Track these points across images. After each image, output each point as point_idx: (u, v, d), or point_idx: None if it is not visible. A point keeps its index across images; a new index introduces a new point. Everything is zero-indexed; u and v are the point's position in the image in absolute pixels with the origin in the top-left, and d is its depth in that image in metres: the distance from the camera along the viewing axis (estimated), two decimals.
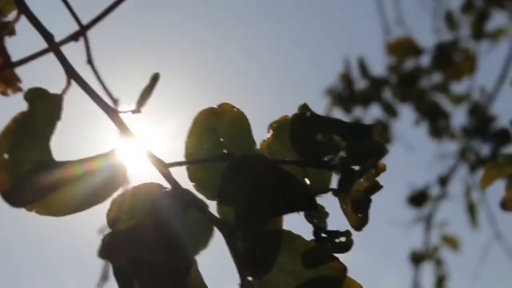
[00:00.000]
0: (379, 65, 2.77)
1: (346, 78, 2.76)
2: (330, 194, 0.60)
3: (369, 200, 0.58)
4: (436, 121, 2.76)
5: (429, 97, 2.74)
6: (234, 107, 0.60)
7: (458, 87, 2.80)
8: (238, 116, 0.60)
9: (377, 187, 0.58)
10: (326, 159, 0.55)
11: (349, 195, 0.58)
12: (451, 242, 3.12)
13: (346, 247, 0.59)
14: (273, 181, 0.53)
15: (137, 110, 0.58)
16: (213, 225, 0.53)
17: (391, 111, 2.72)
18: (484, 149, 2.86)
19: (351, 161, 0.53)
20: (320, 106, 2.82)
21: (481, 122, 2.78)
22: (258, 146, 0.60)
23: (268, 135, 0.60)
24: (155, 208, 0.55)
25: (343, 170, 0.53)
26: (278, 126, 0.59)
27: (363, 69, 2.73)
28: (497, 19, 2.86)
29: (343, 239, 0.59)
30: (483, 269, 3.06)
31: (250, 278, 0.58)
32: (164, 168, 0.56)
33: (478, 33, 2.74)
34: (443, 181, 3.00)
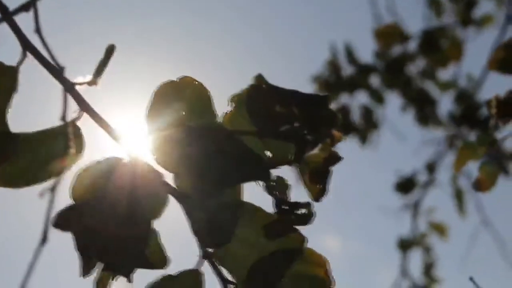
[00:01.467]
0: (368, 52, 2.77)
1: (333, 65, 2.76)
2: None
3: (328, 171, 0.59)
4: (423, 108, 2.77)
5: (416, 83, 2.75)
6: (195, 80, 0.60)
7: (445, 74, 2.80)
8: (199, 89, 0.60)
9: (336, 158, 0.58)
10: (281, 129, 0.55)
11: (307, 166, 0.58)
12: (439, 229, 3.12)
13: (307, 218, 0.59)
14: (228, 150, 0.54)
15: (93, 82, 0.58)
16: (168, 195, 0.54)
17: (378, 98, 2.73)
18: (471, 136, 2.87)
19: (304, 130, 0.54)
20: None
21: (468, 108, 2.78)
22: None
23: (229, 108, 0.60)
24: (112, 179, 0.55)
25: (296, 140, 0.53)
26: (239, 99, 0.59)
27: (350, 55, 2.73)
28: (484, 6, 2.86)
29: (304, 210, 0.59)
30: (471, 255, 3.06)
31: (210, 249, 0.59)
32: (122, 140, 0.56)
33: (466, 20, 2.74)
34: (431, 168, 3.01)
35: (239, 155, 0.54)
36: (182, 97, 0.59)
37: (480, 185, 1.12)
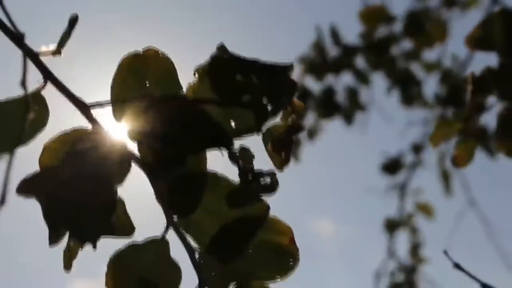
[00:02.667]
0: (353, 34, 2.77)
1: (319, 46, 2.76)
2: (258, 137, 0.61)
3: (291, 141, 0.59)
4: (408, 89, 2.78)
5: (401, 64, 2.75)
6: (159, 52, 0.61)
7: (430, 55, 2.81)
8: (163, 61, 0.61)
9: (298, 128, 0.59)
10: (242, 98, 0.56)
11: (271, 136, 0.59)
12: (425, 210, 3.14)
13: (271, 188, 0.60)
14: (190, 119, 0.55)
15: (57, 52, 0.59)
16: (131, 162, 0.55)
17: (363, 79, 2.74)
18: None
19: (264, 99, 0.55)
20: (293, 73, 2.82)
21: (453, 89, 2.79)
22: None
23: (194, 80, 0.61)
24: (77, 148, 0.56)
25: (257, 108, 0.54)
26: (204, 71, 0.60)
27: (335, 37, 2.74)
28: None
29: (268, 180, 0.60)
30: (457, 236, 3.08)
31: (175, 218, 0.60)
32: (85, 109, 0.57)
33: (450, 1, 2.75)
34: (417, 149, 3.02)
35: (201, 123, 0.55)
36: (146, 69, 0.60)
37: (457, 161, 1.13)
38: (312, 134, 2.89)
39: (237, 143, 0.60)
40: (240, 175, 0.60)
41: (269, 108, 0.55)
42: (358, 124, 2.84)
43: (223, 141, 0.54)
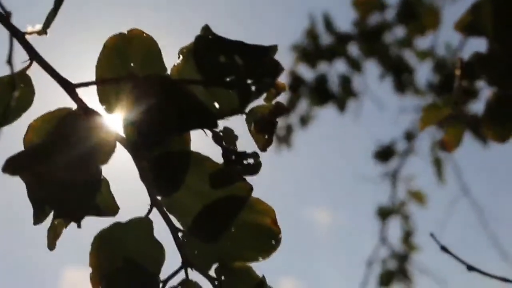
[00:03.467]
0: (346, 21, 2.78)
1: (312, 34, 2.77)
2: (242, 118, 0.61)
3: (274, 122, 0.60)
4: (401, 76, 2.78)
5: (394, 52, 2.76)
6: (144, 33, 0.61)
7: (423, 42, 2.81)
8: (148, 42, 0.61)
9: (281, 109, 0.60)
10: (226, 79, 0.56)
11: (254, 117, 0.60)
12: (418, 197, 3.15)
13: (254, 168, 0.61)
14: (175, 99, 0.55)
15: (42, 32, 0.59)
16: (116, 142, 0.55)
17: (356, 67, 2.74)
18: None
19: (248, 80, 0.55)
20: (285, 61, 2.83)
21: (446, 76, 2.80)
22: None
23: (178, 61, 0.61)
24: (63, 127, 0.56)
25: (240, 89, 0.55)
26: (188, 52, 0.61)
27: (329, 24, 2.74)
28: None
29: (251, 160, 0.61)
30: (449, 223, 3.09)
31: (159, 198, 0.60)
32: (70, 88, 0.57)
33: None
34: (410, 136, 3.02)
35: (185, 103, 0.55)
36: (131, 49, 0.60)
37: (446, 145, 1.14)
38: (305, 121, 2.89)
39: (221, 124, 0.60)
40: (223, 155, 0.60)
41: (253, 88, 0.56)
42: (351, 112, 2.84)
43: (207, 121, 0.55)
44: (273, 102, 0.59)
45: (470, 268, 0.92)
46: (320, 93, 2.75)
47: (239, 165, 0.60)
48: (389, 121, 3.18)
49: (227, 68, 0.57)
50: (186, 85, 0.56)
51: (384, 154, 3.03)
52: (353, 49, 2.77)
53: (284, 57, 2.81)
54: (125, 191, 0.62)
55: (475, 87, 1.17)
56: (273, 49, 0.56)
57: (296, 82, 2.78)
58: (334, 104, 2.78)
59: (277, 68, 0.55)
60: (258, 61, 0.55)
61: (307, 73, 2.82)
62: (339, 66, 2.80)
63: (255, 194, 0.61)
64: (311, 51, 2.78)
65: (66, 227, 0.60)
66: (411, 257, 3.16)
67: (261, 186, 0.60)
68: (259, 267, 0.62)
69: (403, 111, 2.96)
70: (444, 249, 0.94)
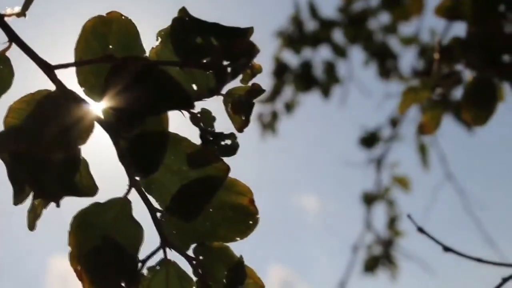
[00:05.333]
0: (331, 7, 2.79)
1: (296, 20, 2.78)
2: (220, 100, 0.62)
3: (251, 103, 0.61)
4: (385, 62, 2.79)
5: (378, 38, 2.77)
6: (123, 15, 0.62)
7: (407, 28, 2.83)
8: (127, 24, 0.62)
9: (258, 90, 0.61)
10: (203, 60, 0.57)
11: (231, 98, 0.61)
12: (402, 183, 3.17)
13: (232, 149, 0.62)
14: (152, 80, 0.56)
15: (21, 14, 0.60)
16: (94, 122, 0.56)
17: (340, 52, 2.75)
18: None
19: (224, 61, 0.56)
20: (270, 47, 2.84)
21: (430, 63, 2.81)
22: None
23: (157, 43, 0.62)
24: (42, 108, 0.57)
25: (216, 70, 0.56)
26: (166, 34, 0.61)
27: (313, 10, 2.75)
28: None
29: (228, 141, 0.62)
30: (434, 208, 3.11)
31: (137, 178, 0.61)
32: (49, 70, 0.58)
33: None
34: (394, 122, 3.04)
35: (162, 85, 0.56)
36: (110, 32, 0.61)
37: (424, 128, 1.15)
38: (290, 107, 2.90)
39: (199, 106, 0.61)
40: (201, 136, 0.61)
41: (229, 70, 0.57)
42: (336, 98, 2.85)
43: (183, 102, 0.56)
44: (250, 83, 0.60)
45: (446, 249, 0.94)
46: (305, 79, 2.76)
47: (216, 146, 0.61)
48: (374, 107, 3.19)
49: (203, 50, 0.57)
50: (163, 67, 0.57)
51: (369, 140, 3.04)
52: (338, 35, 2.78)
53: (269, 43, 2.82)
54: (104, 171, 0.63)
55: (458, 73, 1.18)
56: (249, 31, 0.57)
57: (281, 68, 2.78)
58: (318, 90, 2.79)
59: (253, 49, 0.56)
60: (234, 42, 0.55)
61: (291, 59, 2.83)
62: (324, 52, 2.81)
63: (243, 180, 0.62)
64: (295, 37, 2.78)
65: (46, 208, 0.61)
66: (396, 242, 3.18)
67: (248, 173, 0.61)
68: (248, 253, 0.63)
69: (388, 97, 2.97)
70: (421, 230, 0.95)
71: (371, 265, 3.10)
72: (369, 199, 3.13)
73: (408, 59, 3.19)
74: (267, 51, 2.81)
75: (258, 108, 2.96)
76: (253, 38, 0.59)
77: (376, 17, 2.74)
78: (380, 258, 3.13)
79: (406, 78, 2.90)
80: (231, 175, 0.61)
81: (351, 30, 2.73)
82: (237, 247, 0.63)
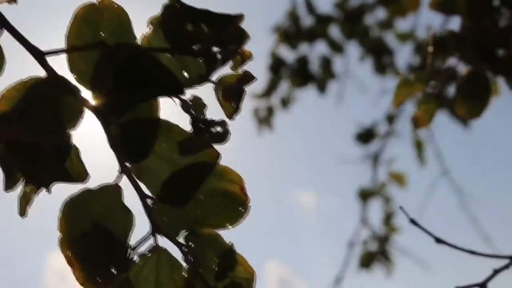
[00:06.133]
0: (327, 3, 2.79)
1: (293, 15, 2.78)
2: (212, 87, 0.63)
3: (242, 90, 0.61)
4: (381, 58, 2.80)
5: (375, 34, 2.77)
6: (114, 3, 0.62)
7: (403, 24, 2.83)
8: (118, 12, 0.62)
9: (249, 77, 0.61)
10: (193, 47, 0.57)
11: (222, 85, 0.61)
12: (399, 179, 3.17)
13: (223, 136, 0.62)
14: (141, 66, 0.56)
15: (12, 0, 0.60)
16: (84, 108, 0.56)
17: (337, 48, 2.75)
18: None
19: (213, 47, 0.56)
20: (267, 43, 2.84)
21: (426, 58, 2.81)
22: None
23: (148, 31, 0.62)
24: (33, 94, 0.57)
25: (206, 56, 0.56)
26: (158, 22, 0.61)
27: (310, 6, 2.75)
28: None
29: (219, 128, 0.62)
30: (430, 205, 3.11)
31: (128, 164, 0.61)
32: (40, 56, 0.58)
33: None
34: (391, 118, 3.04)
35: (152, 70, 0.56)
36: (101, 19, 0.61)
37: (418, 121, 1.16)
38: (286, 103, 2.90)
39: (190, 93, 0.61)
40: (192, 123, 0.61)
41: (218, 56, 0.57)
42: (332, 94, 2.86)
43: (173, 88, 0.56)
44: (241, 71, 0.60)
45: (438, 240, 0.94)
46: (301, 74, 2.77)
47: (207, 133, 0.61)
48: (370, 103, 3.19)
49: (193, 36, 0.58)
50: (153, 53, 0.57)
51: (365, 136, 3.04)
52: (334, 30, 2.78)
53: (265, 39, 2.82)
54: (95, 158, 0.63)
55: (453, 68, 1.18)
56: (239, 17, 0.57)
57: (277, 63, 2.79)
58: (314, 85, 2.80)
59: (242, 36, 0.56)
60: (224, 29, 0.56)
61: (288, 54, 2.83)
62: (320, 48, 2.81)
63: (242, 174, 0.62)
64: (292, 32, 2.78)
65: (37, 194, 0.61)
66: (392, 238, 3.19)
67: (245, 169, 0.62)
68: (245, 250, 0.64)
69: (384, 93, 2.97)
70: (413, 222, 0.95)
71: (367, 261, 3.11)
72: (365, 195, 3.13)
73: (404, 55, 3.18)
74: (263, 46, 2.81)
75: (254, 103, 2.97)
76: (244, 25, 0.59)
77: (373, 13, 2.75)
78: (376, 254, 3.13)
79: (402, 74, 2.90)
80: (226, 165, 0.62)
81: (347, 25, 2.73)
82: (235, 243, 0.64)
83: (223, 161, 0.62)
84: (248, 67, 0.61)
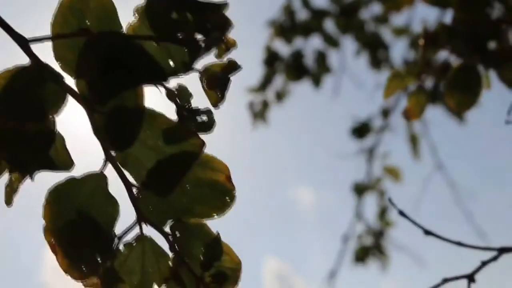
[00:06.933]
0: None
1: (288, 9, 2.78)
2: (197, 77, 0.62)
3: (227, 79, 0.61)
4: (376, 52, 2.80)
5: (370, 28, 2.77)
6: None
7: (398, 19, 2.83)
8: (104, 1, 0.62)
9: (234, 66, 0.61)
10: (177, 35, 0.57)
11: (207, 73, 0.61)
12: (393, 173, 3.17)
13: (208, 125, 0.62)
14: (125, 53, 0.56)
15: None
16: (67, 95, 0.56)
17: (332, 42, 2.75)
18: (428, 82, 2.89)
19: (196, 34, 0.56)
20: (262, 36, 2.84)
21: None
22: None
23: (134, 19, 0.62)
24: (14, 80, 0.57)
25: (190, 44, 0.56)
26: (143, 10, 0.61)
27: (305, 0, 2.75)
28: None
29: (204, 117, 0.62)
30: (425, 199, 3.12)
31: (113, 152, 0.61)
32: (25, 44, 0.58)
33: None
34: (386, 112, 3.04)
35: (136, 58, 0.56)
36: (87, 8, 0.61)
37: (409, 114, 1.16)
38: (280, 97, 2.90)
39: (176, 82, 0.61)
40: (177, 112, 0.61)
41: (202, 44, 0.57)
42: (328, 88, 2.86)
43: (157, 75, 0.56)
44: (226, 59, 0.60)
45: (427, 232, 0.94)
46: (296, 68, 2.77)
47: (192, 122, 0.61)
48: (366, 97, 3.19)
49: (179, 25, 0.58)
50: (138, 41, 0.57)
51: (361, 130, 3.04)
52: (329, 25, 2.78)
53: (261, 33, 2.82)
54: (80, 146, 0.63)
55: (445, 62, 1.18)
56: (223, 5, 0.57)
57: (272, 57, 2.79)
58: (309, 79, 2.80)
59: (226, 23, 0.56)
60: (208, 16, 0.56)
61: (283, 48, 2.83)
62: (315, 42, 2.81)
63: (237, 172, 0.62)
64: (287, 26, 2.78)
65: (22, 182, 0.61)
66: (387, 233, 3.19)
67: (241, 164, 0.62)
68: (243, 246, 0.64)
69: (379, 87, 2.97)
70: (402, 213, 0.96)
71: (361, 255, 3.11)
72: (360, 190, 3.13)
73: (399, 50, 3.19)
74: (259, 40, 2.81)
75: (249, 97, 2.97)
76: (229, 14, 0.59)
77: (368, 7, 2.75)
78: (371, 249, 3.14)
79: (397, 69, 2.90)
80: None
81: (342, 20, 2.73)
82: (231, 240, 0.64)
83: (223, 159, 0.62)
84: (243, 60, 0.61)
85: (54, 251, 0.59)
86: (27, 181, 0.61)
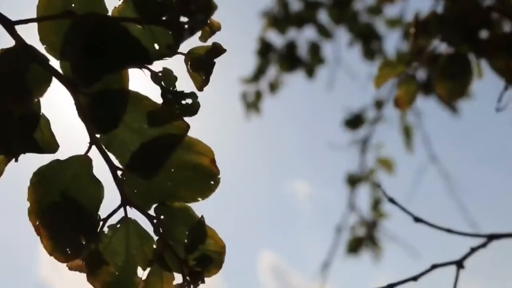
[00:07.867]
0: None
1: (282, 0, 2.78)
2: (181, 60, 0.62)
3: (211, 62, 0.61)
4: (369, 43, 2.80)
5: (363, 19, 2.77)
6: None
7: (392, 10, 2.83)
8: None
9: (218, 49, 0.61)
10: (162, 17, 0.57)
11: (192, 57, 0.61)
12: (386, 165, 3.18)
13: (193, 109, 0.62)
14: (110, 36, 0.56)
15: None
16: (52, 77, 0.56)
17: (325, 33, 2.75)
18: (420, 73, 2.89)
19: (180, 17, 0.56)
20: (256, 27, 2.84)
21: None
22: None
23: (119, 2, 0.62)
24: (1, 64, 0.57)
25: (174, 27, 0.56)
26: None
27: None
28: None
29: (189, 100, 0.62)
30: (418, 191, 3.12)
31: (97, 135, 0.61)
32: (10, 25, 0.58)
33: None
34: (379, 104, 3.04)
35: (121, 40, 0.56)
36: None
37: (399, 102, 1.16)
38: (274, 87, 2.90)
39: (161, 65, 0.61)
40: (162, 95, 0.61)
41: (186, 26, 0.57)
42: (321, 79, 2.86)
43: (141, 57, 0.56)
44: (211, 43, 0.60)
45: (417, 219, 0.94)
46: (289, 59, 2.76)
47: (177, 105, 0.61)
48: (359, 88, 3.19)
49: (162, 7, 0.58)
50: (122, 23, 0.57)
51: (354, 121, 3.04)
52: (323, 16, 2.78)
53: (254, 23, 2.82)
54: (65, 129, 0.63)
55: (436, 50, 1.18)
56: None
57: (266, 48, 2.79)
58: (303, 70, 2.80)
59: (210, 6, 0.56)
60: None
61: (276, 39, 2.83)
62: (309, 33, 2.81)
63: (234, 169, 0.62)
64: (281, 17, 2.78)
65: (6, 165, 0.61)
66: (380, 224, 3.19)
67: (236, 159, 0.62)
68: (239, 239, 0.64)
69: (372, 78, 2.97)
70: (391, 200, 0.96)
71: (354, 246, 3.11)
72: (353, 181, 3.13)
73: (393, 41, 3.19)
74: (252, 30, 2.81)
75: (242, 87, 2.96)
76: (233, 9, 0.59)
77: None
78: (364, 240, 3.14)
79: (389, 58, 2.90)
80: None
81: (336, 11, 2.73)
82: (227, 235, 0.64)
83: (217, 154, 0.62)
84: (236, 51, 0.61)
85: (38, 233, 0.59)
86: (23, 178, 0.61)
